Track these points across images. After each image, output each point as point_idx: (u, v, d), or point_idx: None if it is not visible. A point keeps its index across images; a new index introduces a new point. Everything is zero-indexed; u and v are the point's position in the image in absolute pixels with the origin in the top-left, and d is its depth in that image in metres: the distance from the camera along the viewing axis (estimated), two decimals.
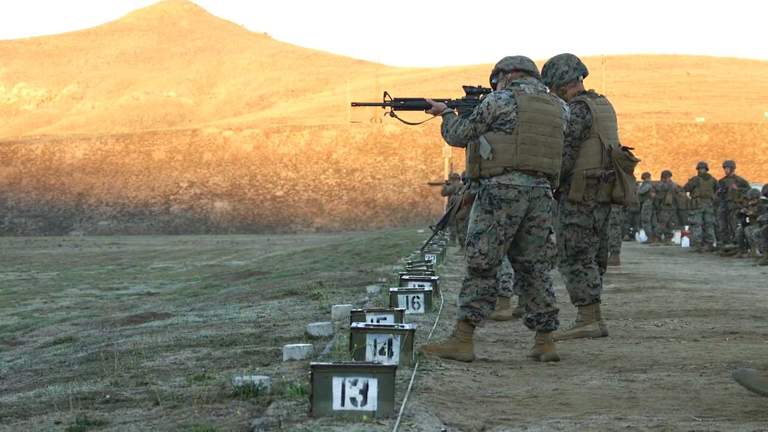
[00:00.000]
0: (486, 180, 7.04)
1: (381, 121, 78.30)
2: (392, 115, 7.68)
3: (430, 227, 9.27)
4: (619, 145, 8.38)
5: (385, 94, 7.67)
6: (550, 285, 7.25)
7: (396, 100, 7.61)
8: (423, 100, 7.52)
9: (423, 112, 7.55)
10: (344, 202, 70.69)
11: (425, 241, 12.20)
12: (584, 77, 8.41)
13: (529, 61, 7.30)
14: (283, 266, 23.72)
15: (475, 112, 7.10)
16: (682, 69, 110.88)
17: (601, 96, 8.47)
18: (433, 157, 71.54)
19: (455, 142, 7.14)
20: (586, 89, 8.42)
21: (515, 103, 7.01)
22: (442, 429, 4.69)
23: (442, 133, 7.24)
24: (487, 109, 7.02)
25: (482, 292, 7.03)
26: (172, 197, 73.06)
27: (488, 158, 7.00)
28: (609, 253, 18.24)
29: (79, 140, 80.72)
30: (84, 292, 20.11)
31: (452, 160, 62.53)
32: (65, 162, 77.22)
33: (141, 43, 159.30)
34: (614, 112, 8.51)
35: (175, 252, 37.78)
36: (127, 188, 74.12)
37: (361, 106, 8.31)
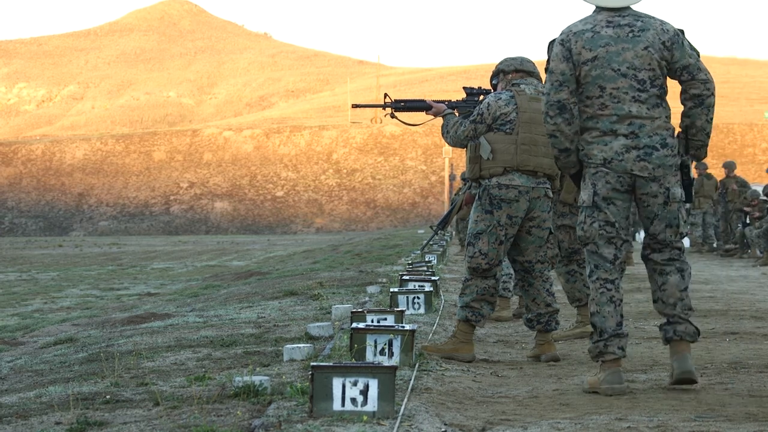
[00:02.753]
0: (486, 180, 7.06)
1: (381, 122, 78.29)
2: (392, 116, 7.70)
3: (431, 227, 9.28)
4: None
5: (386, 95, 7.68)
6: (551, 285, 7.26)
7: (396, 101, 7.61)
8: (423, 101, 7.53)
9: (423, 113, 7.57)
10: (344, 203, 70.70)
11: (425, 241, 12.21)
12: None
13: (530, 62, 7.33)
14: (284, 267, 23.72)
15: (475, 112, 7.12)
16: None
17: None
18: (433, 157, 71.56)
19: (455, 142, 7.16)
20: None
21: (515, 104, 7.04)
22: (443, 429, 4.69)
23: (443, 134, 7.25)
24: (488, 109, 7.05)
25: (482, 293, 7.05)
26: (172, 197, 73.08)
27: (488, 158, 7.03)
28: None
29: (80, 140, 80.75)
30: (84, 292, 20.11)
31: (452, 160, 62.56)
32: (65, 162, 77.25)
33: (141, 44, 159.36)
34: None
35: (175, 252, 37.79)
36: (127, 189, 74.15)
37: (362, 107, 8.31)
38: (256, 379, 5.33)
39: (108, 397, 5.63)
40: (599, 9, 5.85)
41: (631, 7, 5.84)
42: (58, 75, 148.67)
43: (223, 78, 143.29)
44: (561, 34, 5.80)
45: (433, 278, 10.52)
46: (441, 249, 19.27)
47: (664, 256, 5.80)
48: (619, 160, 5.70)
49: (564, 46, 5.75)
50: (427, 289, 9.61)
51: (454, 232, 27.64)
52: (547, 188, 7.15)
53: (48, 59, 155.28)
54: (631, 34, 5.73)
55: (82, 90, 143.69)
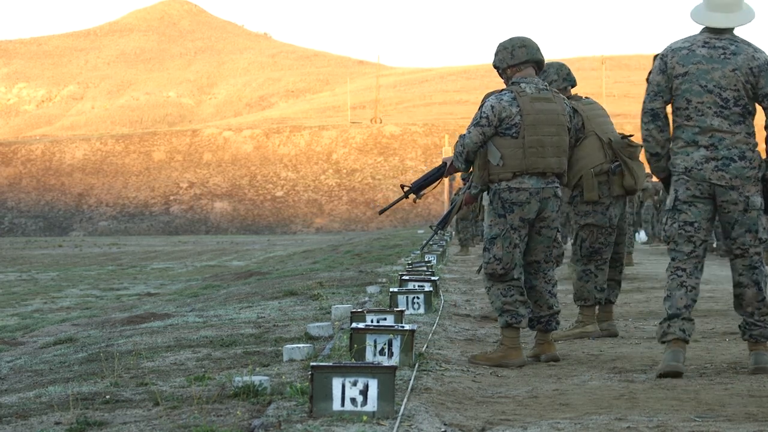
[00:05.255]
0: (495, 184, 7.00)
1: (381, 122, 78.31)
2: (419, 197, 7.72)
3: (430, 227, 9.32)
4: (622, 135, 8.40)
5: (402, 186, 7.70)
6: (553, 286, 7.22)
7: (415, 183, 7.62)
8: (438, 168, 7.48)
9: (442, 177, 7.55)
10: (344, 203, 70.73)
11: (425, 241, 12.23)
12: (572, 88, 8.43)
13: (522, 47, 7.04)
14: (283, 267, 23.73)
15: (477, 116, 6.97)
16: None
17: (586, 98, 8.53)
18: (432, 157, 71.56)
19: (468, 154, 6.97)
20: (572, 93, 8.47)
21: (518, 106, 6.91)
22: (442, 429, 4.69)
23: (457, 164, 7.12)
24: (492, 111, 6.92)
25: (509, 293, 6.98)
26: (172, 198, 73.09)
27: (498, 164, 6.94)
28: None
29: (79, 141, 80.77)
30: (84, 292, 20.12)
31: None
32: (65, 162, 77.25)
33: (141, 44, 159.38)
34: (603, 108, 8.55)
35: (175, 252, 37.81)
36: (127, 189, 74.16)
37: (388, 209, 8.28)
38: (256, 379, 5.33)
39: (108, 397, 5.63)
40: (703, 29, 6.38)
41: (734, 32, 6.36)
42: (58, 75, 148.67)
43: (223, 78, 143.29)
44: (663, 49, 6.42)
45: (432, 278, 10.51)
46: (441, 249, 19.28)
47: (745, 262, 6.35)
48: (699, 169, 6.26)
49: (662, 60, 6.36)
50: (426, 289, 9.60)
51: (453, 232, 27.66)
52: (557, 187, 7.09)
53: (48, 59, 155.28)
54: (722, 56, 6.28)
55: (82, 90, 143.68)
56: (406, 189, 7.61)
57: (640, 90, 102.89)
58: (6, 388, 6.82)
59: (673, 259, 6.34)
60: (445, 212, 8.05)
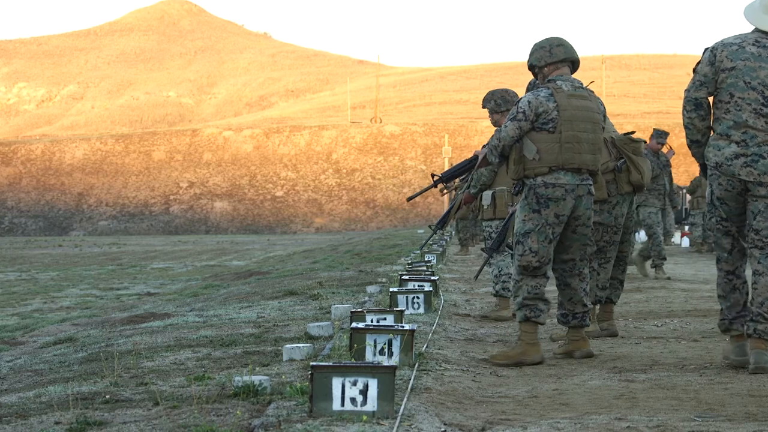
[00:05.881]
0: (531, 179, 7.00)
1: (381, 122, 78.31)
2: (447, 188, 7.77)
3: (429, 226, 9.32)
4: (632, 132, 8.45)
5: (433, 175, 7.73)
6: (587, 284, 7.24)
7: (444, 173, 7.62)
8: (471, 160, 7.48)
9: (474, 167, 7.54)
10: (344, 203, 70.72)
11: (425, 240, 12.24)
12: None
13: (559, 45, 7.10)
14: (283, 266, 23.72)
15: (513, 111, 6.97)
16: (682, 69, 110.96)
17: None
18: (432, 157, 71.55)
19: (503, 148, 6.97)
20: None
21: (555, 101, 6.92)
22: (442, 429, 4.69)
23: (490, 157, 7.10)
24: (529, 106, 6.91)
25: (534, 291, 6.99)
26: (172, 197, 73.10)
27: (534, 159, 6.95)
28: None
29: (79, 140, 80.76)
30: (84, 292, 20.12)
31: (452, 160, 62.52)
32: (65, 162, 77.25)
33: (141, 43, 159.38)
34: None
35: (175, 252, 37.81)
36: (127, 188, 74.16)
37: (416, 197, 8.30)
38: (256, 378, 5.33)
39: (107, 396, 5.63)
40: (755, 28, 6.55)
41: None
42: (58, 75, 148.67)
43: (222, 78, 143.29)
44: (715, 43, 6.59)
45: (432, 278, 10.51)
46: (441, 249, 19.28)
47: (763, 252, 6.45)
48: (728, 165, 6.44)
49: (712, 53, 6.53)
50: (426, 288, 9.60)
51: (453, 232, 27.66)
52: (590, 185, 7.08)
53: (48, 59, 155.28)
54: None
55: (82, 90, 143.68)
56: (436, 178, 7.61)
57: (640, 90, 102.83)
58: (6, 388, 6.82)
59: (719, 260, 6.59)
60: (445, 212, 8.06)
